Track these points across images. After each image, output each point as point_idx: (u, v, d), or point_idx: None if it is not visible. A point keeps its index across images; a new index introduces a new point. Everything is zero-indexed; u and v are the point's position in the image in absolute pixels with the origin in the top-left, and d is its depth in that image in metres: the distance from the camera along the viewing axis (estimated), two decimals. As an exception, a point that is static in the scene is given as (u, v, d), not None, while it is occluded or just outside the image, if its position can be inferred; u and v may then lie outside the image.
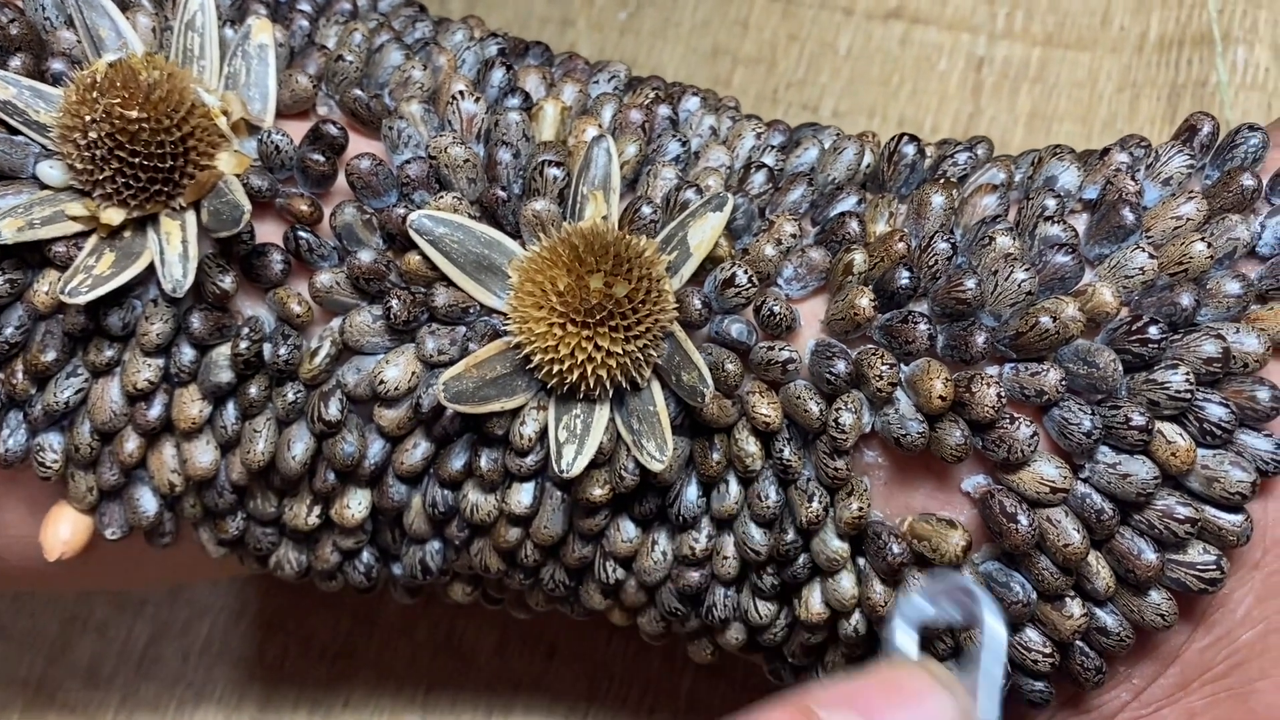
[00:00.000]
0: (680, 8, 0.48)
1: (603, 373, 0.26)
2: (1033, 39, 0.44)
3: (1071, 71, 0.43)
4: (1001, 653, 0.23)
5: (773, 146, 0.30)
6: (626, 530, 0.28)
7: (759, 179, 0.28)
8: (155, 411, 0.28)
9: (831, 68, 0.46)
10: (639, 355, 0.26)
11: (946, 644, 0.27)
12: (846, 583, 0.27)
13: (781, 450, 0.27)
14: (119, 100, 0.26)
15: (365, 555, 0.31)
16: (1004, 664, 0.23)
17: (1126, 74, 0.43)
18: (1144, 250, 0.25)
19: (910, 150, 0.28)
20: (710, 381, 0.26)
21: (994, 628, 0.23)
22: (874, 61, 0.46)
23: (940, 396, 0.25)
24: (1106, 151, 0.27)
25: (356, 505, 0.29)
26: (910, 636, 0.24)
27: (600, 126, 0.29)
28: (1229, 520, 0.25)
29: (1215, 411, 0.25)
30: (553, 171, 0.27)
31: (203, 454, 0.29)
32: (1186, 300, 0.25)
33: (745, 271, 0.26)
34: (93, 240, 0.28)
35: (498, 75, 0.30)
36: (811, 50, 0.47)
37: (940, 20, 0.45)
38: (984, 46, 0.45)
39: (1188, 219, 0.26)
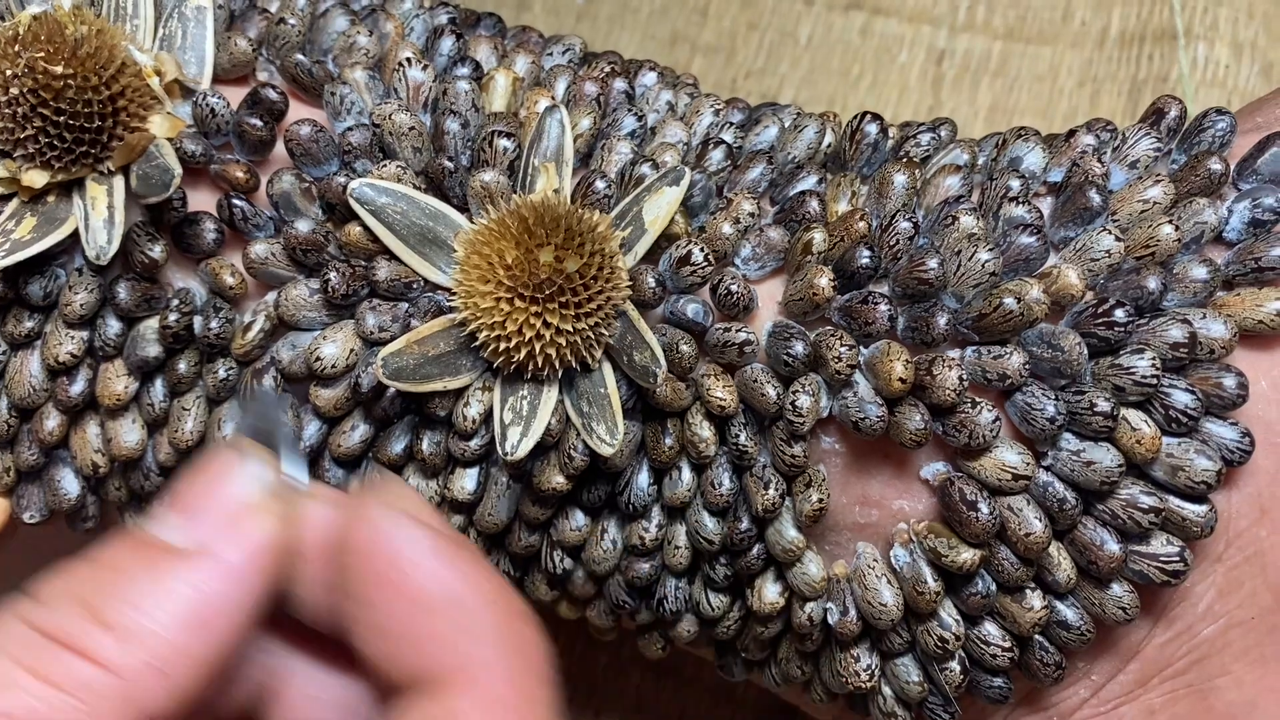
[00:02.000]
0: (638, -6, 0.47)
1: (551, 351, 0.25)
2: (994, 32, 0.44)
3: (1033, 66, 0.43)
4: (276, 409, 0.24)
5: (731, 124, 0.29)
6: (575, 518, 0.27)
7: (717, 156, 0.27)
8: (78, 387, 0.27)
9: (791, 57, 0.45)
10: (590, 334, 0.25)
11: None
12: (813, 568, 0.26)
13: (737, 435, 0.26)
14: (43, 55, 0.25)
15: (300, 543, 0.29)
16: (286, 419, 0.25)
17: (1088, 69, 0.42)
18: (1110, 233, 0.25)
19: (873, 129, 0.27)
20: (663, 361, 0.25)
21: (265, 396, 0.25)
22: (834, 52, 0.45)
23: (900, 379, 0.24)
24: (1072, 134, 0.27)
25: (291, 489, 0.28)
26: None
27: (553, 98, 0.28)
28: (1193, 511, 0.24)
29: (1181, 398, 0.24)
30: (503, 143, 0.26)
31: (128, 433, 0.27)
32: (1153, 284, 0.24)
33: (702, 250, 0.25)
34: (13, 204, 0.26)
35: (447, 44, 0.29)
36: (771, 39, 0.46)
37: (901, 12, 0.45)
38: (945, 39, 0.44)
39: (1155, 202, 0.25)
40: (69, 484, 0.28)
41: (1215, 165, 0.25)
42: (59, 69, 0.25)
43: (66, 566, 0.21)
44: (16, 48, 0.25)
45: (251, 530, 0.21)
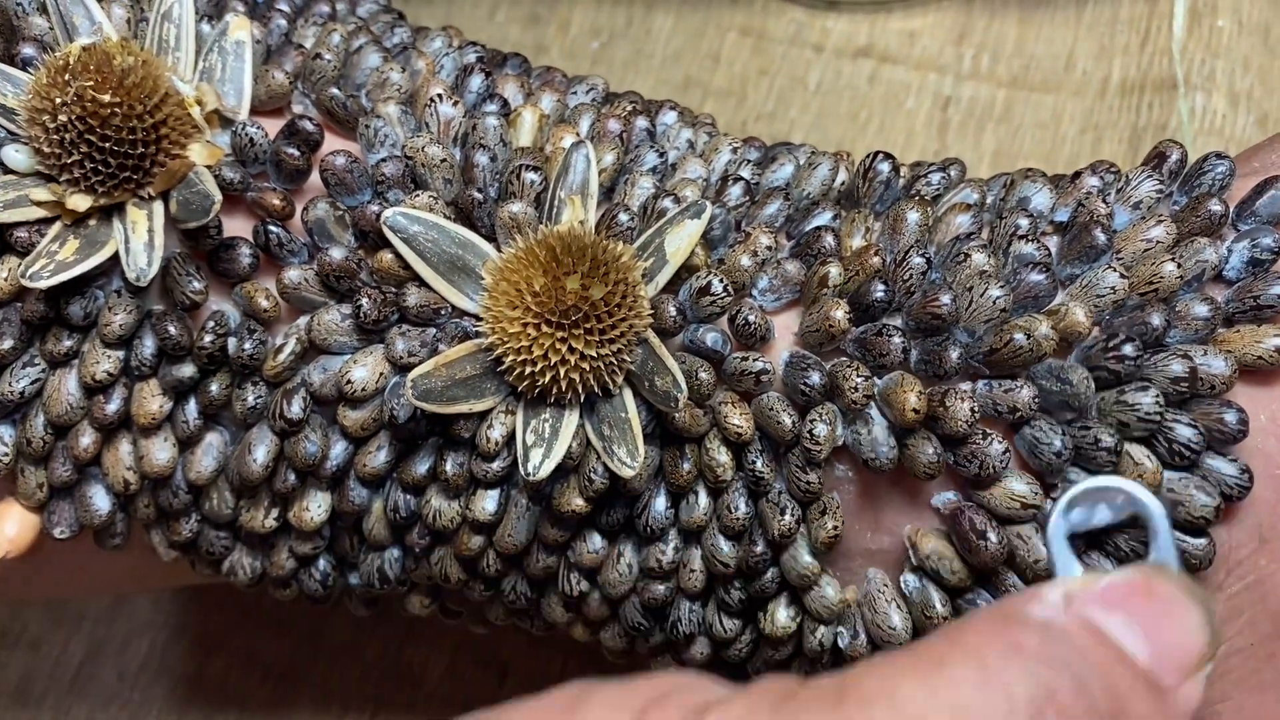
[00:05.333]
0: (652, 39, 0.49)
1: (575, 376, 0.26)
2: (998, 80, 0.45)
3: (1036, 113, 0.44)
4: (1170, 539, 0.22)
5: (749, 161, 0.30)
6: (592, 541, 0.28)
7: (735, 191, 0.28)
8: (114, 406, 0.28)
9: (801, 102, 0.47)
10: (613, 360, 0.26)
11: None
12: (830, 591, 0.27)
13: (754, 462, 0.26)
14: (92, 83, 0.26)
15: (322, 562, 0.30)
16: (1175, 550, 0.22)
17: (1089, 116, 0.44)
18: (1115, 270, 0.26)
19: (885, 168, 0.28)
20: (684, 386, 0.26)
21: (1159, 519, 0.22)
22: (843, 98, 0.46)
23: (914, 409, 0.25)
24: (1078, 175, 0.28)
25: (316, 508, 0.28)
26: (1070, 551, 0.23)
27: (578, 134, 0.29)
28: (1192, 543, 0.25)
29: (1184, 433, 0.25)
30: (530, 176, 0.27)
31: (160, 451, 0.28)
32: (1157, 320, 0.25)
33: (721, 281, 0.26)
34: (56, 226, 0.27)
35: (476, 81, 0.30)
36: (781, 85, 0.47)
37: (909, 60, 0.46)
38: (951, 86, 0.45)
39: (1157, 241, 0.26)
40: (100, 501, 0.29)
41: (1215, 206, 0.26)
42: (107, 97, 0.26)
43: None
44: (66, 76, 0.26)
45: (1192, 692, 0.19)
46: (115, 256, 0.27)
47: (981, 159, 0.44)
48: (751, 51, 0.48)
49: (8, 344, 0.27)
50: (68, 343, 0.27)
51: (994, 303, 0.25)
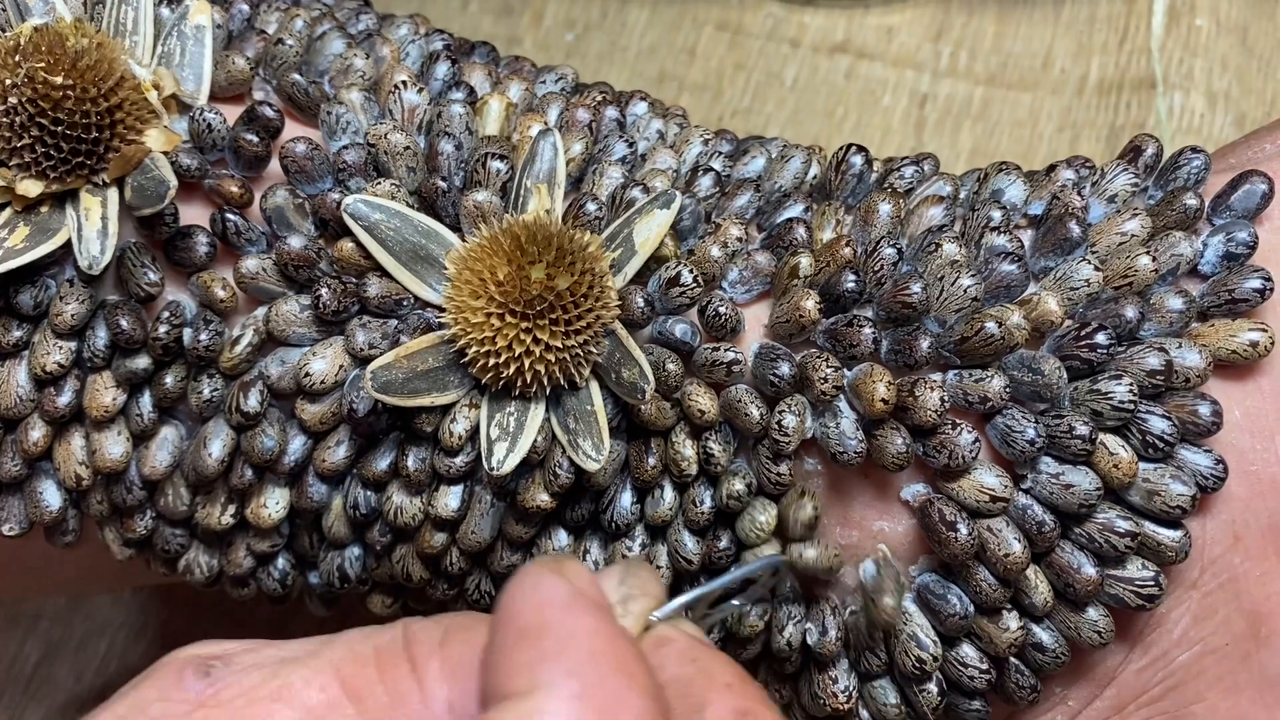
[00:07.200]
0: (628, 32, 0.48)
1: (540, 368, 0.25)
2: (976, 78, 0.45)
3: (1013, 111, 0.44)
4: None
5: (720, 153, 0.29)
6: (558, 538, 0.27)
7: (706, 182, 0.28)
8: (65, 398, 0.27)
9: (777, 98, 0.46)
10: (579, 351, 0.25)
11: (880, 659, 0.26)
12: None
13: (712, 447, 0.26)
14: (43, 65, 0.25)
15: (280, 561, 0.29)
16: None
17: (1067, 115, 0.43)
18: (1089, 263, 0.25)
19: (858, 161, 0.28)
20: (651, 378, 0.25)
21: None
22: (819, 94, 0.46)
23: (883, 400, 0.24)
24: (1052, 169, 0.27)
25: (274, 505, 0.28)
26: None
27: (546, 123, 0.28)
28: (1168, 536, 0.25)
29: (1158, 424, 0.24)
30: (495, 164, 0.27)
31: (113, 445, 0.27)
32: (1131, 313, 0.25)
33: (691, 271, 0.26)
34: (6, 213, 0.26)
35: (442, 69, 0.29)
36: (758, 80, 0.47)
37: (885, 56, 0.46)
38: (928, 83, 0.45)
39: (1132, 234, 0.26)
40: (50, 496, 0.28)
41: (1191, 200, 0.26)
42: (59, 80, 0.25)
43: None
44: (17, 58, 0.25)
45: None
46: (67, 244, 0.26)
47: (958, 157, 0.44)
48: (728, 46, 0.48)
49: (-45, 333, 0.26)
50: (17, 333, 0.27)
51: (965, 292, 0.25)
